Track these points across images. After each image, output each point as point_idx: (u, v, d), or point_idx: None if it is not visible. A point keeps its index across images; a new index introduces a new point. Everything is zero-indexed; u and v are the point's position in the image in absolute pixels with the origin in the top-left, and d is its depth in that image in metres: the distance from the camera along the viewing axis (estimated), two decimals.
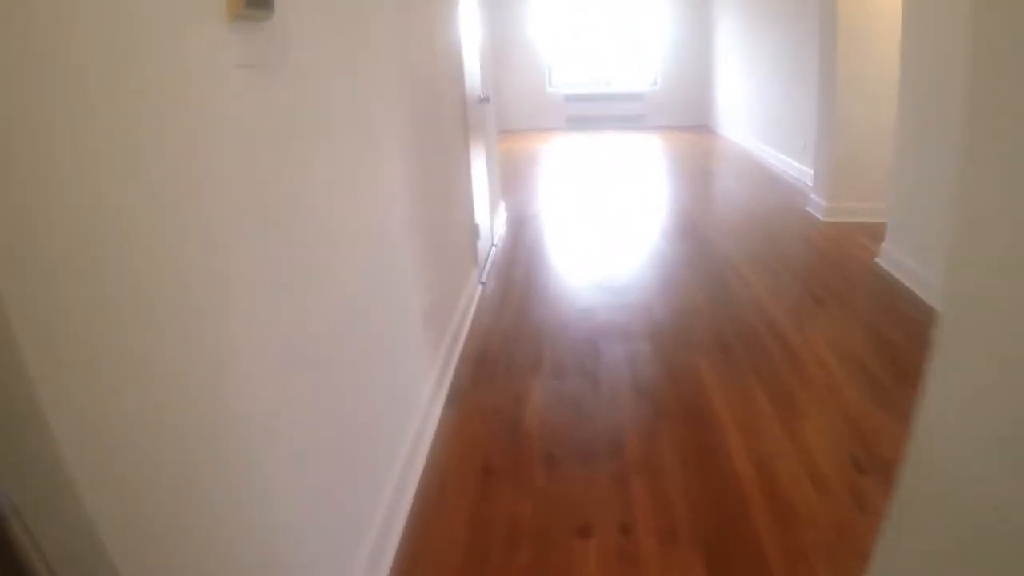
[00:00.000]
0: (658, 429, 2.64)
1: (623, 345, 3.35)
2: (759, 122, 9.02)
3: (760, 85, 8.94)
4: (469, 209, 3.93)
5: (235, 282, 1.15)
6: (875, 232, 5.13)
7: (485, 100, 4.50)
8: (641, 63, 12.18)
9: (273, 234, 1.29)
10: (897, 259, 4.27)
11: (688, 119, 12.12)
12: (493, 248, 4.85)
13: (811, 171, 6.77)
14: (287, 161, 1.37)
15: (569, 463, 2.45)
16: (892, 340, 3.37)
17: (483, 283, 4.20)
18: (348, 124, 1.76)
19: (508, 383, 3.04)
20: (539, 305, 3.89)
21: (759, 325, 3.53)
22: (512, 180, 7.46)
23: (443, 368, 2.95)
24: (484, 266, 4.35)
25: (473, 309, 3.81)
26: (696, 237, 5.11)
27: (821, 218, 5.53)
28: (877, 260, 4.49)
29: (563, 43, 12.08)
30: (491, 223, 4.87)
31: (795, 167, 7.49)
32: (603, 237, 5.24)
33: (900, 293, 4.00)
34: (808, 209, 5.82)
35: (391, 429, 2.15)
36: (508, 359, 3.26)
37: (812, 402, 2.80)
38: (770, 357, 3.20)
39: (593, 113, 12.05)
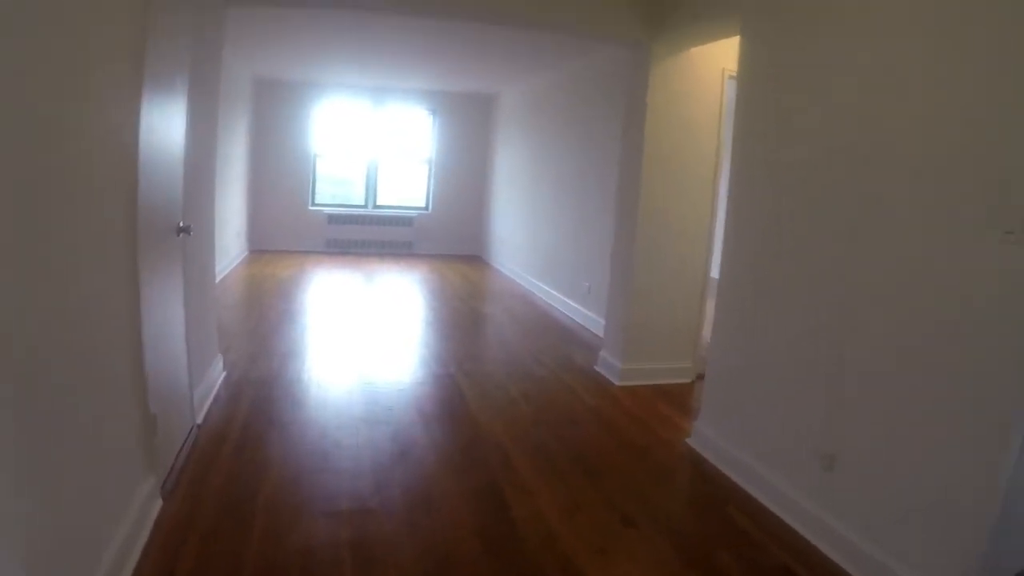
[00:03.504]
0: None
1: None
2: (537, 258, 8.45)
3: (540, 218, 8.44)
4: (137, 397, 2.60)
5: None
6: (679, 397, 4.49)
7: (185, 231, 3.24)
8: (412, 187, 11.42)
9: None
10: (714, 442, 3.58)
11: (460, 248, 11.46)
12: (195, 430, 3.49)
13: (595, 316, 6.20)
14: None
15: None
16: None
17: (166, 494, 2.84)
18: None
19: None
20: (236, 540, 2.55)
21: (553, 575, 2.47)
22: (243, 322, 6.09)
23: None
24: (172, 467, 2.99)
25: (141, 547, 2.44)
26: (463, 420, 3.98)
27: (616, 382, 4.76)
28: (688, 441, 3.75)
29: (329, 159, 11.06)
30: (192, 395, 3.51)
31: (577, 310, 6.87)
32: (343, 414, 3.96)
33: (727, 493, 3.23)
34: (598, 369, 5.04)
35: None
36: None
37: None
38: None
39: (357, 237, 11.00)
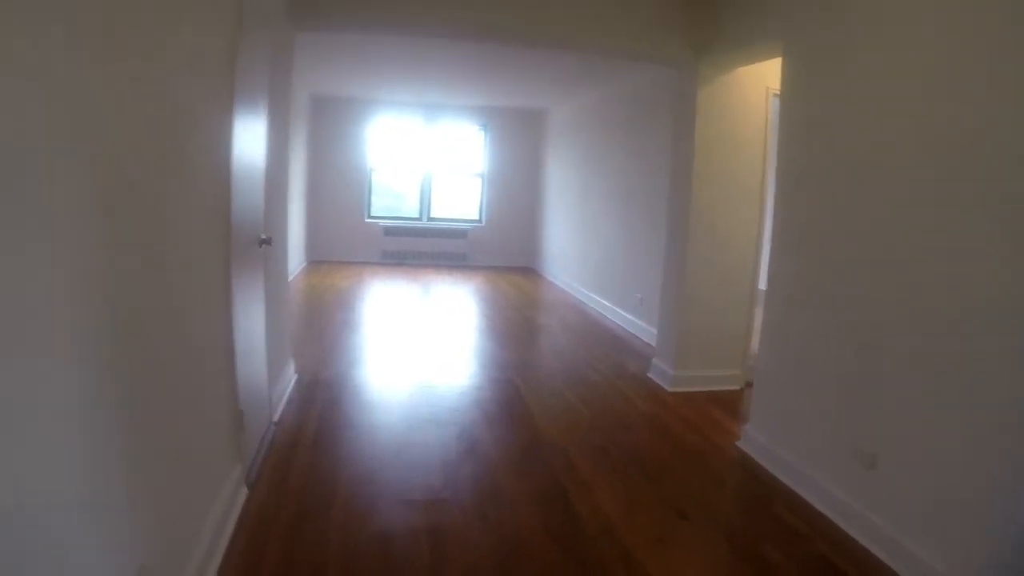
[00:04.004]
0: None
1: None
2: (590, 269, 8.61)
3: (592, 230, 8.60)
4: (230, 392, 2.85)
5: None
6: (729, 404, 4.62)
7: (266, 242, 3.50)
8: (466, 200, 11.69)
9: None
10: (763, 445, 3.69)
11: (512, 260, 11.67)
12: (272, 428, 3.73)
13: (646, 325, 6.33)
14: None
15: None
16: (783, 570, 2.64)
17: (250, 484, 3.07)
18: None
19: None
20: (319, 526, 2.77)
21: (615, 565, 2.62)
22: (309, 328, 6.36)
23: None
24: (254, 460, 3.22)
25: (231, 529, 2.67)
26: (525, 421, 4.17)
27: (668, 388, 4.89)
28: (739, 444, 3.87)
29: (385, 172, 11.40)
30: (270, 395, 3.76)
31: (629, 320, 7.00)
32: (410, 415, 4.19)
33: (774, 492, 3.36)
34: (651, 376, 5.18)
35: None
36: None
37: None
38: None
39: (412, 248, 11.30)
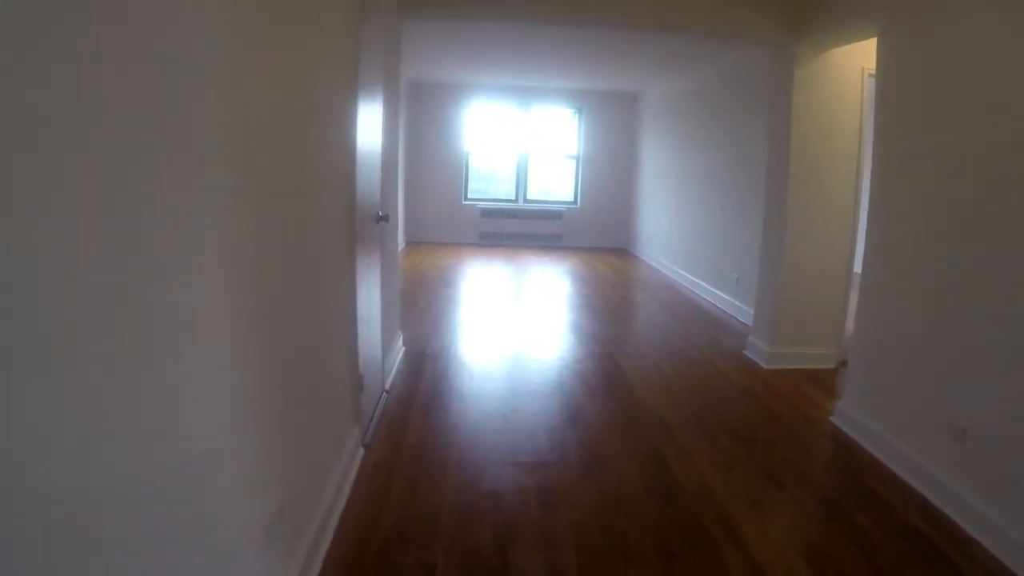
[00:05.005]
0: None
1: (541, 555, 2.51)
2: (685, 250, 8.62)
3: (688, 211, 8.59)
4: (352, 358, 3.09)
5: None
6: (823, 381, 4.65)
7: (384, 219, 3.74)
8: (561, 182, 11.82)
9: None
10: (856, 420, 3.74)
11: (607, 241, 11.74)
12: (384, 395, 3.99)
13: (743, 305, 6.33)
14: None
15: None
16: (872, 537, 2.72)
17: (366, 445, 3.33)
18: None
19: None
20: (434, 484, 3.01)
21: (711, 523, 2.75)
22: (414, 305, 6.65)
23: None
24: (370, 423, 3.48)
25: (350, 485, 2.92)
26: (624, 392, 4.33)
27: (764, 365, 4.94)
28: (833, 420, 3.92)
29: (481, 155, 11.63)
30: (383, 364, 4.02)
31: (725, 300, 7.01)
32: (515, 386, 4.41)
33: (866, 464, 3.42)
34: (747, 354, 5.23)
35: None
36: (390, 573, 2.37)
37: None
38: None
39: (509, 230, 11.51)
